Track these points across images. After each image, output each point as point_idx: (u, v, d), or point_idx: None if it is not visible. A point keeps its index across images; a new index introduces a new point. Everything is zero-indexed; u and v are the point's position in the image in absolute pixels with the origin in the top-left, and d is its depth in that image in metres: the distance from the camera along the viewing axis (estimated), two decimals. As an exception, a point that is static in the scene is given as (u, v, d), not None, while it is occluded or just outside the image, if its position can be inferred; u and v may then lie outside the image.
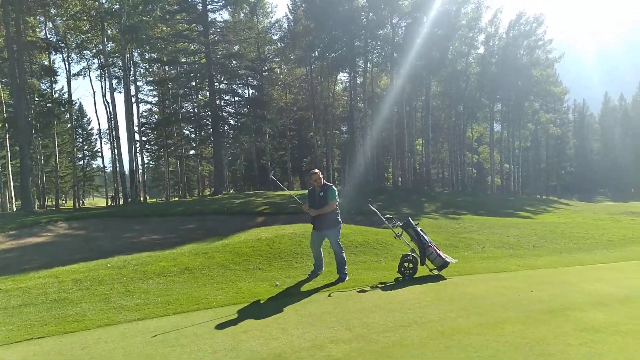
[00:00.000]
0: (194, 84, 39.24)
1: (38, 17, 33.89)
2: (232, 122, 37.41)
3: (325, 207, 7.56)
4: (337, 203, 7.70)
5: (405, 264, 7.82)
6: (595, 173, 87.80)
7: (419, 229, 8.12)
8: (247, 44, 39.12)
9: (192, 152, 46.96)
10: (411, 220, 8.23)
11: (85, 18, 33.45)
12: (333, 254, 7.90)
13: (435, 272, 8.00)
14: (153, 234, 17.94)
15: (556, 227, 16.74)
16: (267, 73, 40.86)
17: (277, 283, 7.41)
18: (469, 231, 16.03)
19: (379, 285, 7.26)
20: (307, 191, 8.20)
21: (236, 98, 39.09)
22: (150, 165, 59.51)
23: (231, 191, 45.38)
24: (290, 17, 45.64)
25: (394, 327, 5.08)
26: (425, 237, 8.08)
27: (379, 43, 38.62)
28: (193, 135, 44.19)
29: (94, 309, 6.35)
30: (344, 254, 7.79)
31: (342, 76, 47.80)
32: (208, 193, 44.89)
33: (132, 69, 37.22)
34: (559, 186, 75.59)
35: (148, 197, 47.36)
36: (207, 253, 9.45)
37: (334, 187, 7.76)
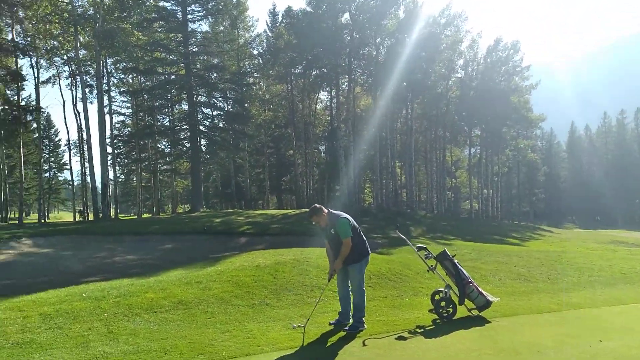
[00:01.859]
0: (169, 96, 37.67)
1: (5, 19, 31.90)
2: (211, 137, 35.61)
3: (342, 249, 6.07)
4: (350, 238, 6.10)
5: (443, 304, 6.73)
6: (563, 200, 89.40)
7: (455, 261, 7.06)
8: (228, 57, 37.89)
9: (165, 166, 44.92)
10: (447, 251, 7.17)
11: (56, 21, 31.61)
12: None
13: (475, 312, 6.94)
14: (128, 254, 16.35)
15: (559, 256, 16.00)
16: (246, 88, 39.60)
17: (295, 325, 6.18)
18: (470, 259, 15.06)
19: (417, 330, 6.14)
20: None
21: (215, 112, 37.62)
22: (120, 180, 57.01)
23: (206, 209, 43.57)
24: (270, 34, 44.82)
25: None
26: (464, 271, 7.02)
27: (363, 62, 38.06)
28: (168, 150, 42.22)
29: (69, 359, 4.99)
30: (364, 296, 6.32)
31: (323, 95, 47.21)
32: (182, 210, 43.07)
33: (105, 78, 35.38)
34: (531, 212, 76.51)
35: (119, 213, 45.06)
36: (201, 282, 8.14)
37: (343, 217, 6.19)
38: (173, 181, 46.45)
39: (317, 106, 47.97)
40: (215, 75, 36.05)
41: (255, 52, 42.67)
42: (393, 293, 8.33)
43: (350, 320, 6.35)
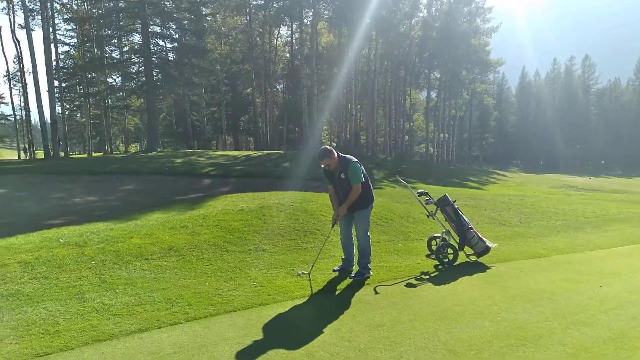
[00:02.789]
0: (119, 25, 34.69)
1: None
2: (167, 70, 33.17)
3: (351, 195, 5.79)
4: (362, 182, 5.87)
5: (444, 250, 6.68)
6: (510, 145, 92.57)
7: (456, 206, 6.98)
8: None
9: (116, 102, 42.14)
10: (448, 196, 7.06)
11: None
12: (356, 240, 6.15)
13: (473, 258, 6.97)
14: (87, 195, 15.43)
15: (522, 200, 16.44)
16: (203, 19, 36.93)
17: (300, 272, 5.96)
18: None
19: (424, 277, 6.09)
20: (323, 173, 6.11)
21: (172, 44, 35.07)
22: (64, 116, 53.52)
23: (163, 149, 41.70)
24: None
25: (505, 346, 3.94)
26: (464, 217, 6.96)
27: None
28: (118, 84, 39.44)
29: (66, 312, 4.57)
30: (369, 242, 6.04)
31: (283, 30, 45.09)
32: (133, 150, 41.15)
33: (48, 3, 32.11)
34: (481, 156, 78.91)
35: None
36: (187, 227, 7.72)
37: (354, 161, 5.83)
38: (124, 118, 44.01)
39: (277, 42, 45.98)
40: (170, 3, 33.25)
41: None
42: (384, 238, 8.24)
43: (354, 267, 6.21)
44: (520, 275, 6.33)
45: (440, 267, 6.57)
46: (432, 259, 6.92)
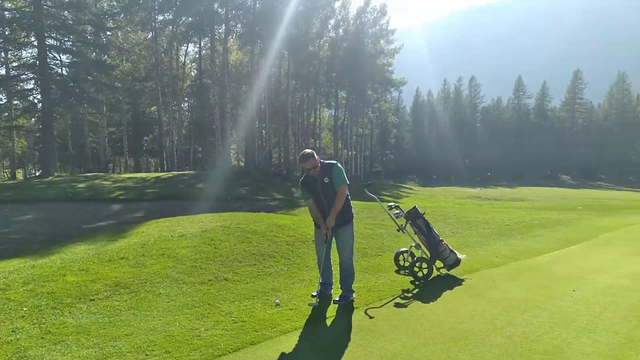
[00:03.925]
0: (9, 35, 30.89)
1: None
2: (68, 87, 29.83)
3: (337, 200, 5.30)
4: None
5: (418, 264, 6.45)
6: (407, 161, 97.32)
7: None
8: None
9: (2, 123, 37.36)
10: (418, 209, 6.87)
11: None
12: (338, 257, 5.64)
13: (444, 271, 6.82)
14: (-22, 228, 13.36)
15: (442, 212, 16.93)
16: (109, 32, 34.32)
17: (278, 302, 5.35)
18: (369, 217, 15.36)
19: (407, 295, 5.79)
20: (300, 185, 5.53)
21: (72, 59, 31.91)
22: None
23: (61, 173, 37.66)
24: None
25: None
26: (434, 230, 6.81)
27: (240, 12, 35.49)
28: (3, 102, 34.93)
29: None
30: (353, 262, 5.65)
31: (191, 47, 43.39)
32: (21, 175, 36.82)
33: None
34: (382, 172, 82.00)
35: None
36: (127, 258, 6.75)
37: (337, 163, 5.43)
38: (11, 141, 39.22)
39: (185, 59, 44.16)
40: (71, 15, 30.20)
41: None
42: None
43: (332, 290, 5.74)
44: (495, 285, 6.26)
45: (417, 282, 6.32)
46: (404, 274, 6.67)
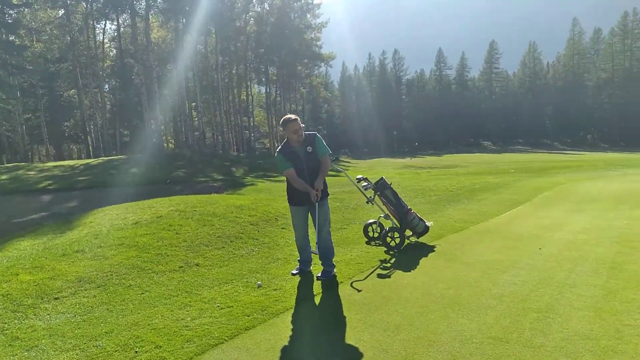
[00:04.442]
0: None
1: None
2: None
3: (323, 167, 5.19)
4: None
5: (391, 234, 6.47)
6: (338, 136, 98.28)
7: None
8: None
9: None
10: (386, 179, 6.86)
11: None
12: (315, 235, 5.32)
13: (413, 239, 6.90)
14: None
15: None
16: (17, 10, 30.93)
17: (260, 283, 5.15)
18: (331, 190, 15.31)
19: (387, 265, 5.79)
20: (279, 154, 5.22)
21: None
22: None
23: None
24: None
25: (536, 320, 3.88)
26: (402, 200, 6.85)
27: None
28: None
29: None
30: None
31: (109, 25, 40.33)
32: None
33: None
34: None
35: None
36: (84, 251, 6.24)
37: (318, 134, 5.31)
38: None
39: (104, 37, 41.08)
40: None
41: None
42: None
43: (310, 266, 5.63)
44: (466, 249, 6.42)
45: (391, 252, 6.34)
46: (375, 245, 6.68)
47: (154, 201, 9.93)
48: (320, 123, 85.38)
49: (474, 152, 67.39)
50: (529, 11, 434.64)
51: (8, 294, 4.83)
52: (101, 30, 39.55)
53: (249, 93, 48.84)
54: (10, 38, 30.97)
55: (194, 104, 44.49)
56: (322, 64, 51.81)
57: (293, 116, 5.16)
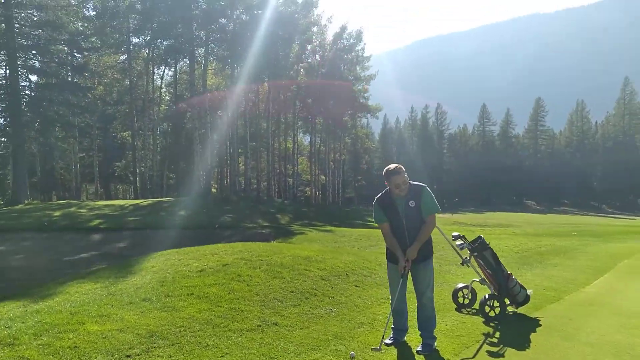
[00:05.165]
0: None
1: None
2: (42, 110, 27.62)
3: (426, 229, 4.56)
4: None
5: (490, 303, 5.75)
6: (377, 187, 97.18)
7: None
8: (65, 12, 30.43)
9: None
10: (484, 238, 6.21)
11: None
12: (417, 300, 4.83)
13: (511, 309, 6.13)
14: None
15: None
16: (87, 53, 32.67)
17: (353, 353, 4.51)
18: (369, 245, 14.79)
19: (492, 340, 5.07)
20: (376, 204, 4.79)
21: (47, 80, 30.02)
22: None
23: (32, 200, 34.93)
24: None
25: None
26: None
27: (219, 35, 34.60)
28: None
29: None
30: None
31: (167, 71, 42.00)
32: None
33: None
34: (355, 197, 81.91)
35: None
36: (151, 300, 5.77)
37: (427, 187, 4.69)
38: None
39: (162, 82, 42.70)
40: (45, 33, 28.43)
41: (87, 13, 35.49)
42: (383, 294, 6.98)
43: (406, 335, 4.95)
44: (577, 324, 5.61)
45: (491, 324, 5.60)
46: (467, 313, 5.97)
47: (215, 247, 9.52)
48: (360, 174, 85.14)
49: (517, 211, 65.28)
50: (570, 68, 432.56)
51: (75, 346, 4.36)
52: (159, 76, 41.33)
53: (295, 141, 49.28)
54: (75, 80, 32.44)
55: (239, 150, 45.16)
56: (369, 115, 51.99)
57: (397, 166, 4.61)
